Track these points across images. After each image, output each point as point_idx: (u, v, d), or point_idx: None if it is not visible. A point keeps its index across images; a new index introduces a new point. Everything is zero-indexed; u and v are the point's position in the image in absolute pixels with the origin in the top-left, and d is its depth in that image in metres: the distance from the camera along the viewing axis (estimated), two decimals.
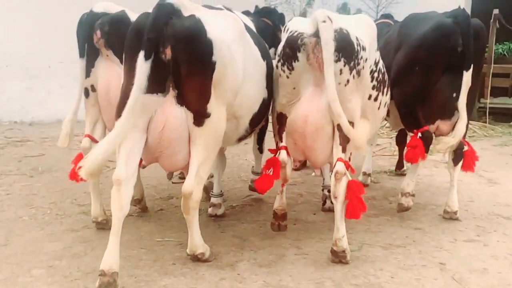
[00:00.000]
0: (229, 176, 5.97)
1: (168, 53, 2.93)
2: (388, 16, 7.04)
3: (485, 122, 10.71)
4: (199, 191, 3.26)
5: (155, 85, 2.97)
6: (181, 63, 2.96)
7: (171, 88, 3.04)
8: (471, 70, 4.08)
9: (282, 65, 3.54)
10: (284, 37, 3.65)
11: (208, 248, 3.54)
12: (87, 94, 4.11)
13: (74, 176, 4.01)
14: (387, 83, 4.05)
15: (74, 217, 4.53)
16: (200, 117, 3.07)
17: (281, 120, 3.71)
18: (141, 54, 2.82)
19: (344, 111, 3.36)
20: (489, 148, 8.37)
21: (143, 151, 3.16)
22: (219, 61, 3.03)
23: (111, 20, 3.86)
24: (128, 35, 3.12)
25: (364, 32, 3.64)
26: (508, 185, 5.89)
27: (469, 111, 4.40)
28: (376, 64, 3.79)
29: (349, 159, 3.58)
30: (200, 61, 2.99)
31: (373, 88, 3.79)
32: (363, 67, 3.54)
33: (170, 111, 3.05)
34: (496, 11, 9.35)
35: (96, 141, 4.07)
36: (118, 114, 2.95)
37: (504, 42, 10.65)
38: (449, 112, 4.34)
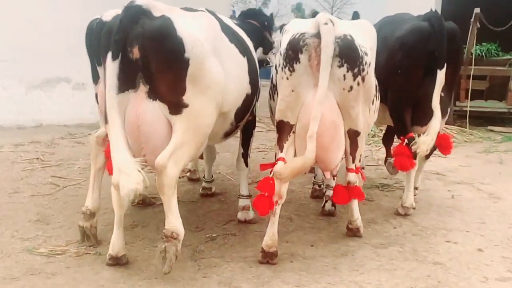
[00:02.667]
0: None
1: (135, 52, 3.00)
2: (358, 17, 6.68)
3: (461, 126, 10.31)
4: (175, 169, 3.13)
5: (126, 83, 3.07)
6: (151, 61, 3.02)
7: (141, 84, 3.09)
8: (444, 69, 4.16)
9: (284, 66, 3.44)
10: (284, 38, 3.57)
11: (181, 233, 3.24)
12: (97, 100, 4.16)
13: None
14: (377, 87, 3.97)
15: (15, 257, 3.58)
16: (175, 106, 3.12)
17: (282, 128, 3.58)
18: (109, 54, 2.93)
19: (347, 118, 3.51)
20: (475, 156, 7.87)
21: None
22: (193, 57, 3.09)
23: None
24: (102, 37, 3.20)
25: (365, 37, 3.62)
26: None
27: (445, 110, 4.55)
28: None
29: (359, 161, 3.82)
30: (171, 58, 3.04)
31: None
32: (367, 73, 3.48)
33: (141, 106, 3.10)
34: (477, 9, 8.84)
35: None
36: (105, 119, 3.12)
37: (482, 43, 10.20)
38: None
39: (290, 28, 3.57)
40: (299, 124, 3.48)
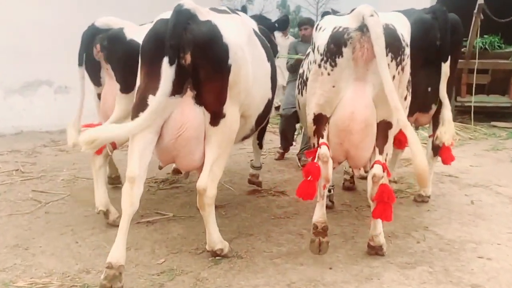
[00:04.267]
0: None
1: (188, 58, 2.99)
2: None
3: (462, 122, 9.94)
4: (214, 188, 3.33)
5: (174, 88, 3.04)
6: (199, 67, 3.04)
7: (188, 89, 3.10)
8: (448, 61, 4.33)
9: (325, 62, 3.38)
10: (320, 35, 3.52)
11: (227, 245, 3.58)
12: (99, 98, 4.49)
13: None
14: (410, 83, 3.80)
15: None
16: (216, 117, 3.17)
17: (320, 120, 3.53)
18: (165, 60, 2.91)
19: (382, 108, 3.34)
20: (484, 154, 7.48)
21: (160, 152, 3.31)
22: (234, 64, 3.11)
23: (108, 37, 4.11)
24: (147, 41, 3.18)
25: (403, 29, 3.52)
26: None
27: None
28: None
29: (385, 160, 3.51)
30: (218, 65, 3.06)
31: (406, 88, 3.66)
32: (406, 64, 3.43)
33: (189, 111, 3.12)
34: (481, 0, 8.41)
35: (114, 144, 4.27)
36: (135, 114, 3.11)
37: (484, 36, 9.77)
38: (428, 104, 4.59)
39: (326, 25, 3.53)
40: (333, 117, 3.46)
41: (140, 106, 3.10)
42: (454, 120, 9.86)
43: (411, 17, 4.28)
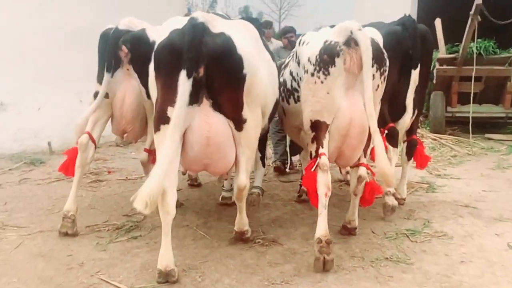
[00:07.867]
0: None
1: (201, 71, 3.06)
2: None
3: (452, 134, 9.16)
4: (248, 181, 3.62)
5: (191, 98, 3.08)
6: (215, 78, 3.14)
7: (204, 98, 3.19)
8: (418, 68, 4.48)
9: (318, 71, 3.62)
10: (306, 48, 3.84)
11: (250, 230, 4.00)
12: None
13: (63, 169, 4.37)
14: None
15: None
16: (238, 123, 3.33)
17: (319, 127, 3.72)
18: (183, 73, 2.99)
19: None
20: (492, 175, 6.56)
21: (191, 162, 3.42)
22: (249, 72, 3.25)
23: (131, 39, 4.25)
24: (162, 52, 3.22)
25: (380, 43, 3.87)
26: None
27: (420, 106, 5.16)
28: None
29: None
30: (234, 76, 3.19)
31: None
32: (387, 74, 3.80)
33: (211, 117, 3.21)
34: (479, 1, 7.52)
35: (93, 139, 4.30)
36: (157, 127, 3.27)
37: (478, 40, 8.88)
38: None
39: (310, 39, 3.89)
40: (334, 125, 3.67)
41: (160, 119, 3.19)
42: (444, 132, 9.18)
43: (382, 30, 4.26)
